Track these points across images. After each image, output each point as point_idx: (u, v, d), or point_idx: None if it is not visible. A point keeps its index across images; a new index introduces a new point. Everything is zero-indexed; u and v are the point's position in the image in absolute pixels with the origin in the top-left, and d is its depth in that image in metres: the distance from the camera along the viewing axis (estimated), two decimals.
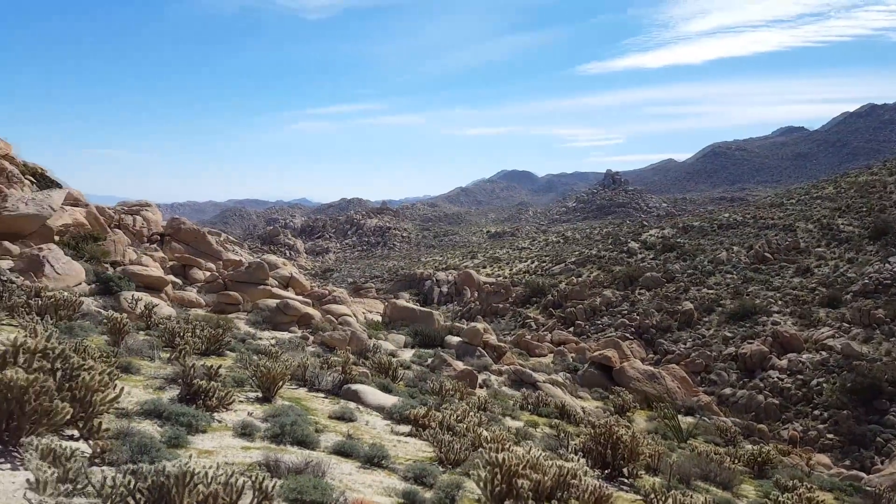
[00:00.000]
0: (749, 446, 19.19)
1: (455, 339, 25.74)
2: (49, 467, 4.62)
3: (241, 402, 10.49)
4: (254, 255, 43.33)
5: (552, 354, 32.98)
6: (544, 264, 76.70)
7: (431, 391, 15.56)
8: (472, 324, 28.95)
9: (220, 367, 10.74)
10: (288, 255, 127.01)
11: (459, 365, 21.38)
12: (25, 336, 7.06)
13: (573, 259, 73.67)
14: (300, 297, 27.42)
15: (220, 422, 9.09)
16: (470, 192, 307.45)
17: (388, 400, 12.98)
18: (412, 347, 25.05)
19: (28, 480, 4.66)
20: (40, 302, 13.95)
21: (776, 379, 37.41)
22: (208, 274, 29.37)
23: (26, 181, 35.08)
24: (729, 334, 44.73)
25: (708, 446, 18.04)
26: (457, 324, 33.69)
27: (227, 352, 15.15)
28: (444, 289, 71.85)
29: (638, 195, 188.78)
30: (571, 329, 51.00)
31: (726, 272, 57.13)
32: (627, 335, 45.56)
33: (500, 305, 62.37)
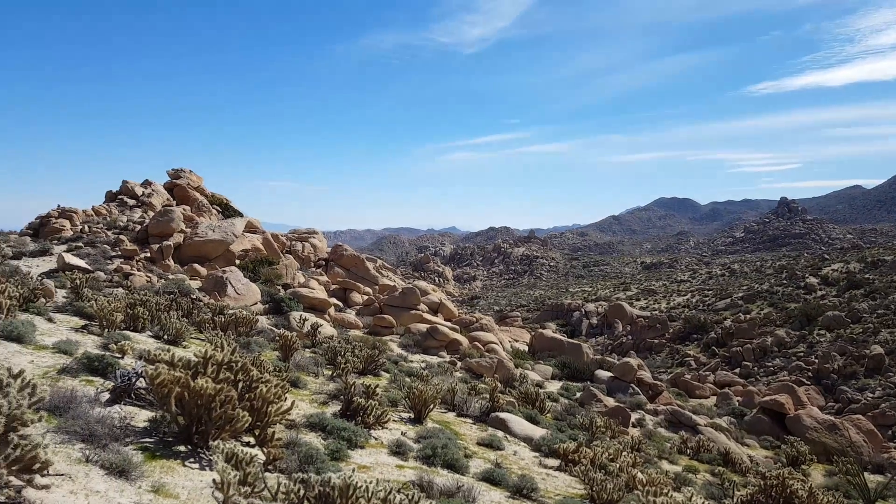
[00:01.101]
0: None
1: (605, 374, 24.81)
2: (232, 470, 5.08)
3: (395, 421, 10.88)
4: (406, 280, 45.17)
5: (714, 397, 30.60)
6: (706, 298, 71.74)
7: (581, 426, 15.10)
8: (625, 359, 27.72)
9: (376, 386, 11.26)
10: (437, 281, 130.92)
11: (610, 401, 20.54)
12: (214, 349, 7.90)
13: (740, 294, 68.21)
14: (448, 323, 28.05)
15: (376, 439, 9.48)
16: (623, 220, 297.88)
17: (536, 431, 12.78)
18: (559, 380, 24.54)
19: (214, 480, 5.15)
20: (223, 318, 15.58)
21: None
22: (365, 298, 31.07)
23: (213, 210, 39.77)
24: None
25: None
26: (607, 358, 32.47)
27: (382, 372, 15.87)
28: (594, 321, 69.76)
29: (817, 225, 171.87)
30: (737, 370, 47.08)
31: None
32: (803, 380, 41.07)
33: (655, 341, 59.20)
